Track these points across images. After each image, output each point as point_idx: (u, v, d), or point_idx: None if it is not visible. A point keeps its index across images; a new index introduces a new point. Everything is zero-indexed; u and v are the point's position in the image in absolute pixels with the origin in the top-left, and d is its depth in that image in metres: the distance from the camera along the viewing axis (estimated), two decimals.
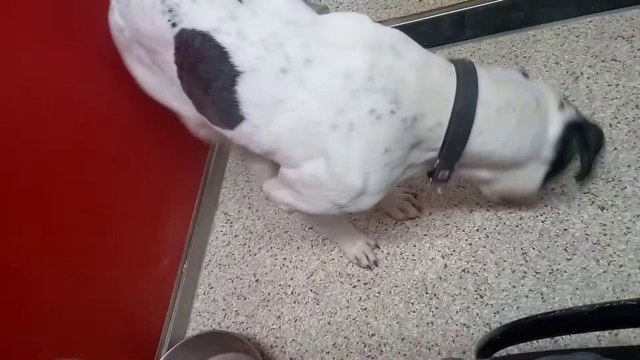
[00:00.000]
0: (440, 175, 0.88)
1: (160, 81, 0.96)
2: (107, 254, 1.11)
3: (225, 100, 0.79)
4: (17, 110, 0.89)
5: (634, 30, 1.32)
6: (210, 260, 1.42)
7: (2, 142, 0.86)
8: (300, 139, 0.78)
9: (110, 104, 1.14)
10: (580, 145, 0.88)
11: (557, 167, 0.90)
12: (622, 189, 1.11)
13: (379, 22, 0.81)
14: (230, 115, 0.81)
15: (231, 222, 1.48)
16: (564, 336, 0.97)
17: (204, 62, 0.79)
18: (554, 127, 0.86)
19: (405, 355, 1.09)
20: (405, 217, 1.25)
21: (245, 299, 1.31)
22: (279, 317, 1.24)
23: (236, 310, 1.30)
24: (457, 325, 1.08)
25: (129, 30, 0.91)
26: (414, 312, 1.13)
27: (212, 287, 1.37)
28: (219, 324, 1.30)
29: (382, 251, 1.24)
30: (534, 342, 0.97)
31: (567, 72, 1.32)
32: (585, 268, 1.05)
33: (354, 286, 1.21)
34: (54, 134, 0.97)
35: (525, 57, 1.41)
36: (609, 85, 1.26)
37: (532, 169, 0.91)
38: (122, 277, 1.16)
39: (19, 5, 0.90)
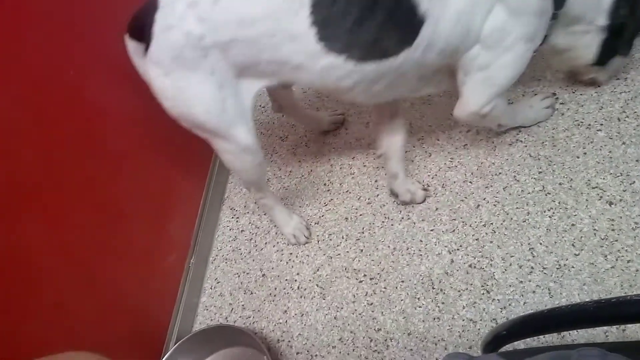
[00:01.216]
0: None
1: (227, 96, 0.92)
2: (114, 249, 1.12)
3: (404, 10, 0.83)
4: (24, 107, 0.90)
5: None
6: (217, 255, 1.43)
7: (10, 140, 0.87)
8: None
9: (115, 101, 1.14)
10: (628, 11, 1.00)
11: (611, 34, 1.04)
12: (631, 184, 1.10)
13: None
14: (411, 25, 0.85)
15: (237, 217, 1.48)
16: (570, 332, 0.97)
17: None
18: None
19: (411, 350, 1.09)
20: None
21: (251, 293, 1.31)
22: (286, 311, 1.25)
23: (243, 305, 1.31)
24: (463, 320, 1.08)
25: (214, 34, 0.84)
26: (420, 307, 1.13)
27: (219, 282, 1.38)
28: (226, 318, 1.31)
29: (389, 246, 1.24)
30: (540, 337, 0.96)
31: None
32: (592, 263, 1.04)
33: (360, 281, 1.22)
34: (60, 131, 0.98)
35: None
36: (617, 79, 1.24)
37: (590, 38, 1.06)
38: (129, 273, 1.17)
39: (26, 3, 0.91)
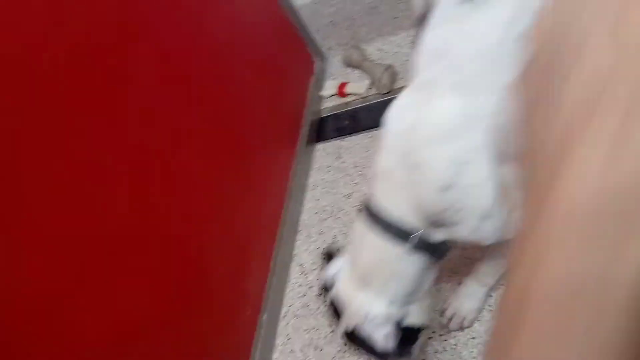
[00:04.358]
0: None
1: None
2: (197, 302, 1.21)
3: None
4: (118, 178, 1.04)
5: None
6: (287, 312, 1.48)
7: (100, 196, 1.00)
8: None
9: (193, 170, 1.27)
10: None
11: None
12: None
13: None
14: None
15: (306, 274, 1.53)
16: None
17: None
18: None
19: None
20: None
21: (321, 350, 1.33)
22: None
23: None
24: None
25: None
26: None
27: (290, 338, 1.41)
28: None
29: None
30: None
31: None
32: None
33: (429, 337, 1.20)
34: (151, 194, 1.11)
35: None
36: None
37: None
38: (209, 329, 1.24)
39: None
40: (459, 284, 1.23)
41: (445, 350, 1.16)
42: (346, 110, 1.94)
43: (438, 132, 0.71)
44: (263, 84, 1.67)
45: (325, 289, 0.92)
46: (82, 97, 0.95)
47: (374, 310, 0.81)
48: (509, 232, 0.79)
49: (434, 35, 0.77)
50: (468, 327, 1.16)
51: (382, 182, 0.83)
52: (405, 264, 0.82)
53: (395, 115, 0.80)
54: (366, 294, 0.83)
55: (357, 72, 2.03)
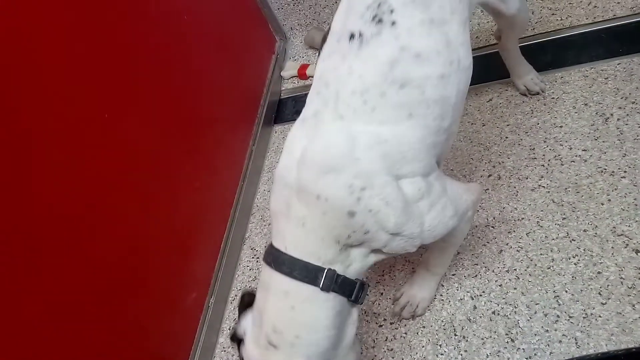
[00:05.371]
0: None
1: None
2: (137, 286, 1.14)
3: None
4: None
5: None
6: (236, 295, 1.43)
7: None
8: None
9: (142, 142, 1.19)
10: None
11: None
12: None
13: None
14: None
15: (258, 258, 1.49)
16: None
17: None
18: None
19: None
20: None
21: None
22: None
23: None
24: None
25: None
26: (442, 354, 1.10)
27: (237, 323, 1.37)
28: None
29: None
30: None
31: (596, 113, 1.32)
32: (620, 313, 1.01)
33: (380, 325, 1.20)
34: (95, 168, 1.02)
35: (553, 98, 1.41)
36: (639, 127, 1.25)
37: None
38: (151, 310, 1.17)
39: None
40: (413, 271, 1.23)
41: (395, 339, 1.16)
42: (306, 93, 1.89)
43: (327, 162, 0.72)
44: (221, 60, 1.59)
45: (236, 341, 0.83)
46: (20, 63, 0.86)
47: None
48: (427, 237, 0.80)
49: (321, 67, 0.80)
50: (420, 315, 1.16)
51: (281, 220, 0.78)
52: (317, 308, 0.74)
53: (284, 150, 0.80)
54: (275, 358, 0.74)
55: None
